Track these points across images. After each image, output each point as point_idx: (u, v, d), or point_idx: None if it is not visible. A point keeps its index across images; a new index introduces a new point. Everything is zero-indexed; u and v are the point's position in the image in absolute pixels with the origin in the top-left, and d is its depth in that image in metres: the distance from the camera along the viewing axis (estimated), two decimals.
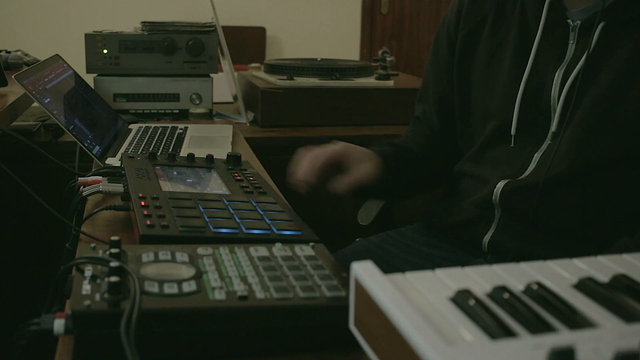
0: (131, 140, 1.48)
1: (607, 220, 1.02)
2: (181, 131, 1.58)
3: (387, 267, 1.19)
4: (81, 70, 1.74)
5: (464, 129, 1.20)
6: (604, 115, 0.99)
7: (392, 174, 1.16)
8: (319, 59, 2.23)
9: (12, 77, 1.25)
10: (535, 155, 1.07)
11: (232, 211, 0.89)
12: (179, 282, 0.63)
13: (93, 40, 1.88)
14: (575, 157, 1.01)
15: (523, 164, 1.07)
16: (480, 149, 1.15)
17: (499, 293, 0.53)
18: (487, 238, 1.11)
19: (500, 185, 1.08)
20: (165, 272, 0.66)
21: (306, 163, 1.05)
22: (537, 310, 0.50)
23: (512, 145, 1.09)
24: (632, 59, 0.98)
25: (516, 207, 1.07)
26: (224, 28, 1.96)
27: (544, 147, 1.06)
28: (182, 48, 1.90)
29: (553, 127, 1.05)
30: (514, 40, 1.10)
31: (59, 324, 0.58)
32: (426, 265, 1.18)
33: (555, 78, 1.05)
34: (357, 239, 1.31)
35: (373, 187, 1.12)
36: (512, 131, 1.09)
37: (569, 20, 1.04)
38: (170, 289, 0.62)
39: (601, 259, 0.61)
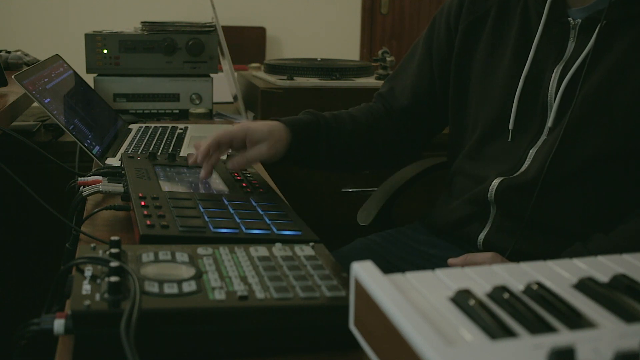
0: (131, 140, 1.48)
1: (601, 217, 1.03)
2: (181, 131, 1.58)
3: (387, 266, 1.19)
4: (81, 70, 1.74)
5: (460, 121, 1.20)
6: (597, 111, 1.01)
7: (301, 144, 1.14)
8: (319, 59, 2.23)
9: (12, 77, 1.25)
10: (531, 151, 1.07)
11: (232, 211, 0.89)
12: (179, 282, 0.63)
13: (93, 40, 1.88)
14: (571, 153, 1.02)
15: (519, 160, 1.08)
16: (477, 144, 1.15)
17: (499, 293, 0.53)
18: (482, 236, 1.11)
19: (496, 182, 1.08)
20: (165, 272, 0.66)
21: (203, 145, 1.07)
22: (537, 310, 0.50)
23: (509, 140, 1.10)
24: (627, 56, 1.00)
25: (511, 204, 1.07)
26: (224, 28, 1.96)
27: (539, 142, 1.07)
28: (182, 48, 1.90)
29: (549, 123, 1.05)
30: (514, 36, 1.11)
31: (59, 324, 0.58)
32: (426, 265, 1.19)
33: (553, 75, 1.06)
34: (357, 239, 1.31)
35: (284, 159, 1.13)
36: (510, 125, 1.09)
37: (569, 19, 1.05)
38: (170, 289, 0.62)
39: (601, 259, 0.61)
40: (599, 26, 1.01)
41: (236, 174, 1.10)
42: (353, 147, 1.22)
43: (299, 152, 1.14)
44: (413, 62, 1.27)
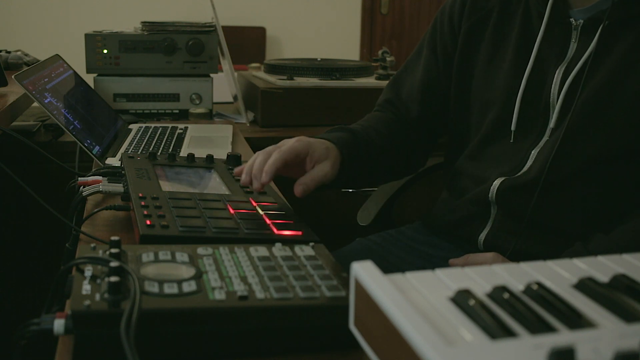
0: (131, 140, 1.48)
1: (602, 217, 1.03)
2: (181, 131, 1.58)
3: (387, 266, 1.19)
4: (81, 70, 1.74)
5: (461, 122, 1.20)
6: (599, 111, 1.01)
7: (349, 165, 1.08)
8: (319, 59, 2.23)
9: (12, 77, 1.25)
10: (533, 151, 1.07)
11: (232, 211, 0.89)
12: (179, 282, 0.63)
13: (93, 40, 1.88)
14: (573, 154, 1.02)
15: (521, 161, 1.08)
16: (479, 145, 1.15)
17: (499, 293, 0.53)
18: (482, 236, 1.11)
19: (497, 182, 1.08)
20: (165, 272, 0.66)
21: (260, 164, 0.95)
22: (537, 310, 0.50)
23: (511, 141, 1.10)
24: (629, 56, 1.00)
25: (512, 204, 1.07)
26: (224, 28, 1.96)
27: (541, 143, 1.07)
28: (182, 48, 1.90)
29: (552, 124, 1.05)
30: (516, 37, 1.11)
31: (59, 324, 0.58)
32: (426, 265, 1.19)
33: (555, 75, 1.06)
34: (357, 239, 1.31)
35: (331, 182, 1.05)
36: (512, 127, 1.09)
37: (571, 19, 1.05)
38: (170, 289, 0.62)
39: (601, 259, 0.61)
40: (601, 27, 1.01)
41: None
42: (382, 161, 1.18)
43: (349, 171, 1.07)
44: (418, 64, 1.25)
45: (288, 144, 0.99)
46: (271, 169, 0.93)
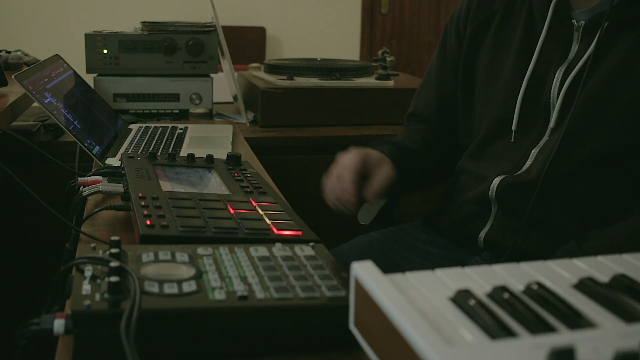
0: (131, 140, 1.48)
1: (601, 216, 1.03)
2: (181, 131, 1.58)
3: (387, 263, 1.19)
4: (81, 70, 1.74)
5: (465, 124, 1.21)
6: (599, 111, 1.01)
7: (399, 174, 1.15)
8: (319, 59, 2.23)
9: (12, 77, 1.25)
10: (533, 151, 1.08)
11: (232, 211, 0.89)
12: (179, 282, 0.63)
13: (93, 40, 1.88)
14: (572, 153, 1.02)
15: (521, 160, 1.09)
16: (480, 145, 1.16)
17: (499, 293, 0.53)
18: (482, 234, 1.12)
19: (497, 181, 1.09)
20: (165, 272, 0.66)
21: (340, 183, 1.08)
22: (537, 310, 0.50)
23: (512, 140, 1.10)
24: (629, 57, 1.00)
25: (512, 202, 1.08)
26: (224, 28, 1.96)
27: (541, 143, 1.07)
28: (182, 48, 1.90)
29: (552, 124, 1.06)
30: (519, 38, 1.12)
31: (59, 324, 0.58)
32: (425, 263, 1.19)
33: (556, 76, 1.06)
34: (358, 235, 1.31)
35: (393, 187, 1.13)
36: (513, 127, 1.10)
37: (573, 21, 1.06)
38: (170, 289, 0.62)
39: (601, 259, 0.61)
40: (601, 28, 1.01)
41: (235, 174, 1.10)
42: (422, 165, 1.25)
43: (403, 175, 1.16)
44: (433, 73, 1.28)
45: (347, 159, 1.09)
46: (352, 188, 1.07)
